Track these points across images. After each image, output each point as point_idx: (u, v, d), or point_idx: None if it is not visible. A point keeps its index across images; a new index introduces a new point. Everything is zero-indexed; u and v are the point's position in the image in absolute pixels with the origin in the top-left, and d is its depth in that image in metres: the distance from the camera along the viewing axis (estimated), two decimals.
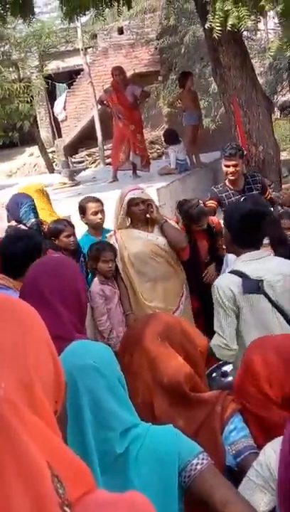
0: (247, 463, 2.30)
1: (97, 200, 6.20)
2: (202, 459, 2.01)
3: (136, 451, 1.96)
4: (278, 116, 20.97)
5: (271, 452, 2.17)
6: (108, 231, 5.91)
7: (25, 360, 1.02)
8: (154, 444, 1.98)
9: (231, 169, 6.47)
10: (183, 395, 2.41)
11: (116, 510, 1.03)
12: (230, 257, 5.07)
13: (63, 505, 0.94)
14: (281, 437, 2.16)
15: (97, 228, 6.13)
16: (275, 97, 17.88)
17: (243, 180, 6.63)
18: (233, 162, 6.46)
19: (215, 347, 3.90)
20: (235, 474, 2.33)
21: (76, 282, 2.83)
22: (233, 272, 3.98)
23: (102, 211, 6.11)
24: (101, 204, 6.15)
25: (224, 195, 6.60)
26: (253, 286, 3.88)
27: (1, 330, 1.03)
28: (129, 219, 5.59)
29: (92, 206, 6.11)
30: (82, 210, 6.20)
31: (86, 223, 6.25)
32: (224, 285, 3.92)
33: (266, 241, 4.93)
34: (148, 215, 5.54)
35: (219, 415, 2.44)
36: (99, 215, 6.08)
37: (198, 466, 1.99)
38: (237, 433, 2.43)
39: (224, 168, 6.57)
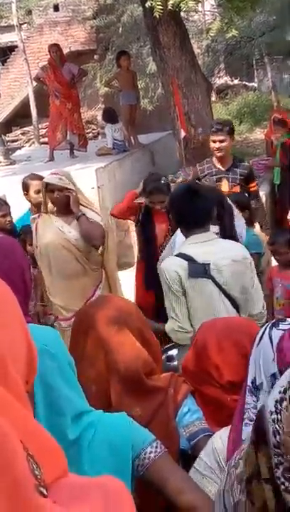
0: (201, 446, 2.29)
1: (41, 178, 6.02)
2: (156, 447, 2.00)
3: (88, 440, 1.92)
4: (215, 99, 21.04)
5: (219, 443, 2.15)
6: None
7: None
8: (107, 432, 1.95)
9: (217, 144, 6.29)
10: (140, 382, 2.37)
11: (91, 495, 0.99)
12: (178, 239, 4.99)
13: (39, 486, 0.89)
14: (229, 427, 2.14)
15: (38, 207, 5.90)
16: (212, 79, 17.92)
17: (231, 161, 6.45)
18: (219, 137, 6.28)
19: (171, 332, 3.85)
20: (189, 457, 2.32)
21: (20, 262, 2.74)
22: (179, 254, 3.92)
23: None
24: None
25: (206, 172, 6.45)
26: (199, 270, 3.82)
27: None
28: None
29: (35, 184, 6.02)
30: (26, 188, 6.10)
31: (29, 201, 6.14)
32: (170, 268, 3.86)
33: (216, 230, 4.87)
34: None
35: (173, 398, 2.43)
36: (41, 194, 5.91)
37: (152, 455, 1.98)
38: (190, 415, 2.44)
39: (211, 144, 6.39)
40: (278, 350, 1.97)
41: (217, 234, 4.81)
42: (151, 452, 1.97)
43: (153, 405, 2.38)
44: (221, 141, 6.27)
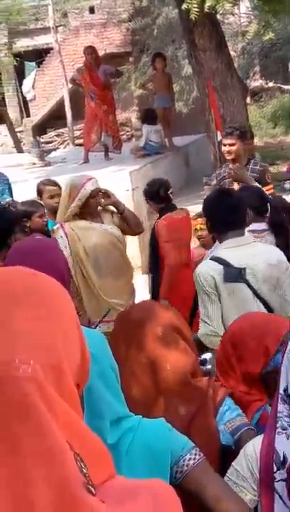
0: (244, 439, 2.32)
1: (55, 184, 6.10)
2: (195, 454, 2.00)
3: (127, 445, 1.92)
4: (249, 102, 20.95)
5: (251, 451, 2.15)
6: None
7: (54, 340, 0.95)
8: (146, 438, 1.95)
9: (227, 148, 6.38)
10: (187, 384, 2.41)
11: (139, 497, 0.98)
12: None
13: (88, 484, 0.89)
14: (262, 435, 2.15)
15: (54, 212, 5.85)
16: (247, 81, 17.85)
17: (243, 164, 6.43)
18: (229, 141, 6.37)
19: (204, 336, 3.84)
20: (233, 453, 2.32)
21: (59, 263, 2.75)
22: (214, 258, 3.92)
23: (59, 195, 5.80)
24: (59, 188, 5.96)
25: (223, 175, 6.52)
26: (235, 274, 3.82)
27: (30, 307, 0.96)
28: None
29: (48, 189, 6.04)
30: (39, 193, 6.11)
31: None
32: (206, 272, 3.86)
33: (264, 226, 4.85)
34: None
35: (212, 398, 2.46)
36: (56, 199, 5.87)
37: (191, 462, 1.98)
38: (230, 413, 2.46)
39: (222, 148, 6.53)
40: None
41: (265, 231, 4.81)
42: (190, 459, 1.97)
43: (196, 405, 2.41)
44: (231, 145, 6.35)
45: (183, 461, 1.97)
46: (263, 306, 3.87)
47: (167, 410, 2.28)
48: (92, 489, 0.89)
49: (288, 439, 2.00)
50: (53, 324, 0.97)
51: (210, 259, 3.97)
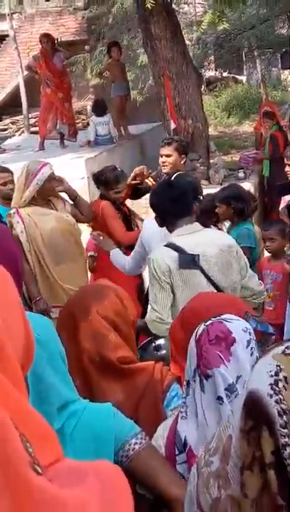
0: None
1: (6, 170, 6.01)
2: (141, 438, 2.03)
3: (71, 428, 1.94)
4: (204, 91, 21.05)
5: (160, 432, 2.20)
6: None
7: None
8: (90, 421, 1.97)
9: (162, 159, 6.10)
10: (115, 368, 2.42)
11: (87, 479, 0.97)
12: (145, 234, 4.95)
13: (34, 464, 0.86)
14: (173, 418, 2.19)
15: (6, 199, 5.80)
16: (202, 71, 17.90)
17: None
18: (165, 152, 6.09)
19: (150, 322, 3.86)
20: None
21: (12, 250, 2.75)
22: (168, 245, 3.92)
23: (12, 181, 5.83)
24: (11, 174, 5.93)
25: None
26: (189, 260, 3.82)
27: None
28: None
29: (1, 176, 5.90)
30: None
31: None
32: (160, 259, 3.86)
33: None
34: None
35: (160, 382, 2.45)
36: (9, 186, 5.81)
37: (136, 446, 2.00)
38: (178, 399, 2.45)
39: (160, 159, 6.20)
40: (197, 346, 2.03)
41: None
42: (135, 443, 2.00)
43: (138, 388, 2.42)
44: (167, 156, 6.07)
45: (129, 445, 1.99)
46: (216, 291, 3.93)
47: (103, 396, 2.29)
48: (39, 469, 0.87)
49: (187, 425, 2.03)
50: None
51: (165, 245, 3.96)
